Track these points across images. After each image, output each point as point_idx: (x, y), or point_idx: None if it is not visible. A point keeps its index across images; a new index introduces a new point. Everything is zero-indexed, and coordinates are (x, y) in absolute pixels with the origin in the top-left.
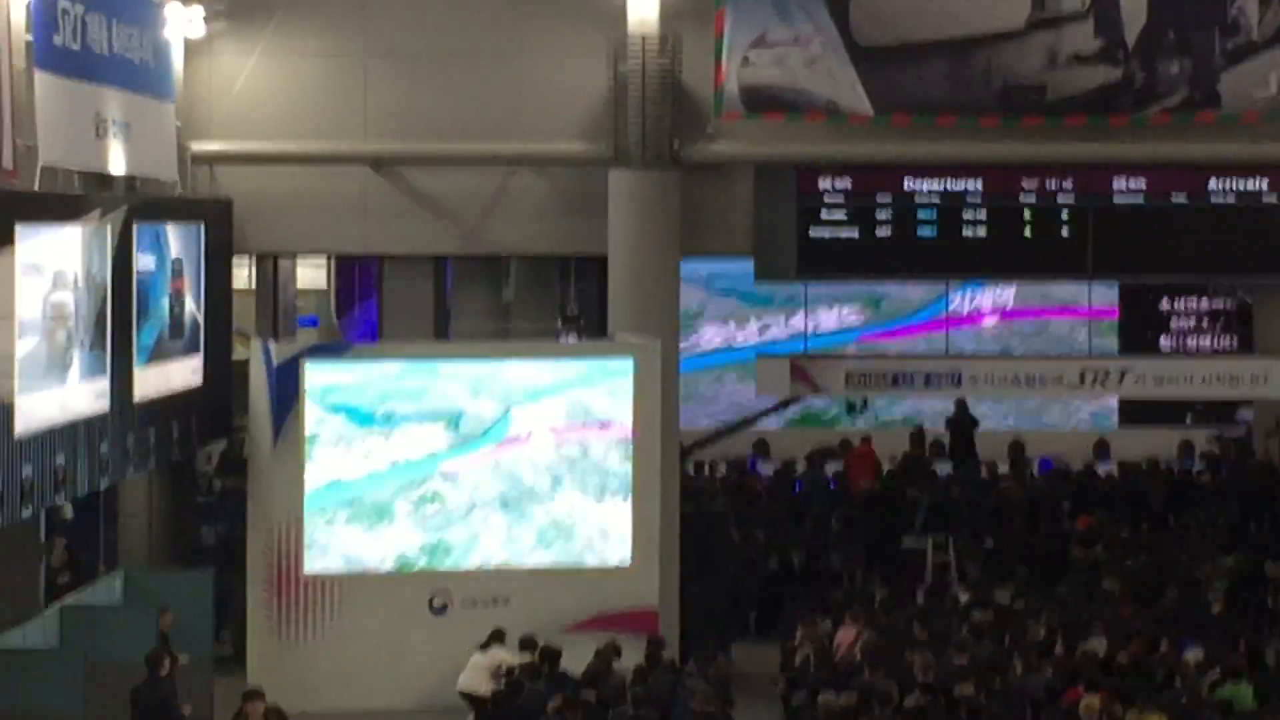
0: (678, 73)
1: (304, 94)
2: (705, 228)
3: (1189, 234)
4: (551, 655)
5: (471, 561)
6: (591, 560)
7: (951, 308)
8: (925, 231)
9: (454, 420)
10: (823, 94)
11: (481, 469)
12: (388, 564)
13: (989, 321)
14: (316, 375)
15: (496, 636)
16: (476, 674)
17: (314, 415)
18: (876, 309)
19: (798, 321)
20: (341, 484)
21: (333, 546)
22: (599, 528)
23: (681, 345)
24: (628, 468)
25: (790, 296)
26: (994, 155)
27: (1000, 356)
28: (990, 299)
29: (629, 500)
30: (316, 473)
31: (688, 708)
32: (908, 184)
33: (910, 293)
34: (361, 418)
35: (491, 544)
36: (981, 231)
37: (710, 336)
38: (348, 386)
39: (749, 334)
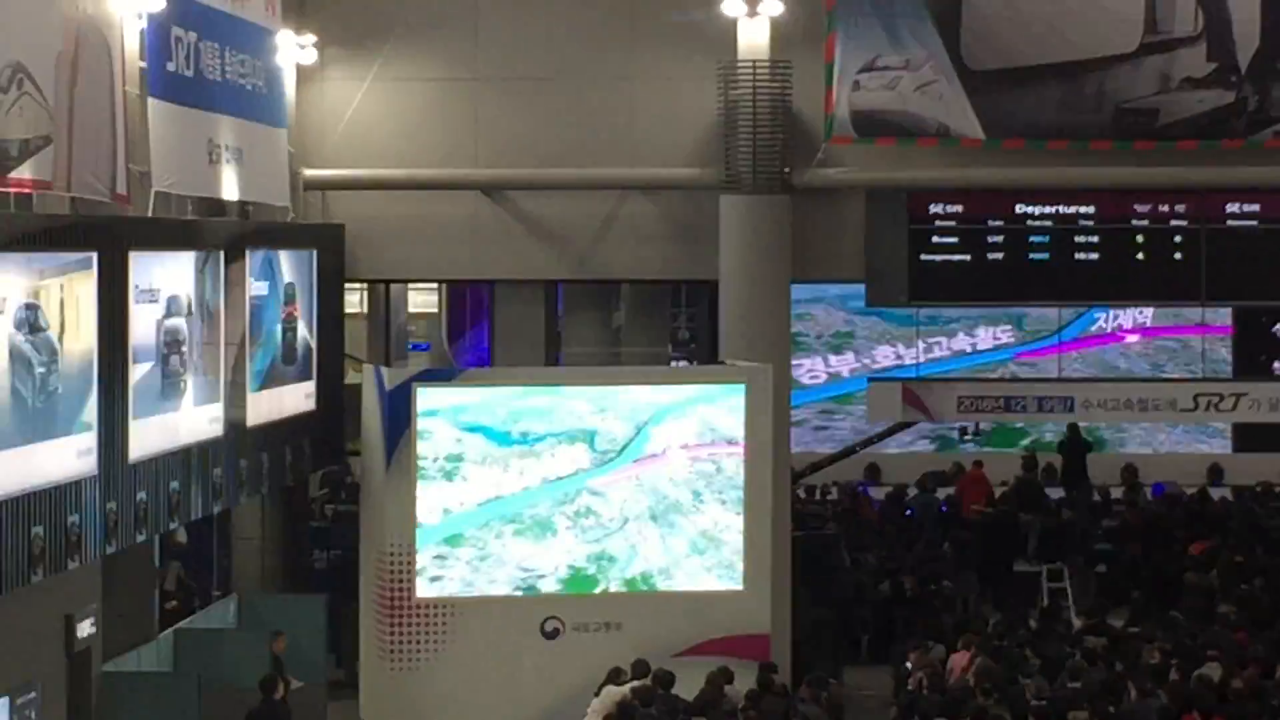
0: (788, 97)
1: (415, 120)
2: (816, 252)
3: None
4: (664, 680)
5: (634, 570)
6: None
7: (1095, 325)
8: (1037, 255)
9: (589, 438)
10: (934, 118)
11: (626, 484)
12: (561, 572)
13: (1132, 338)
14: (446, 396)
15: (611, 677)
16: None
17: (451, 435)
18: (1020, 328)
19: (960, 342)
20: (502, 500)
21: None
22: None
23: (854, 365)
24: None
25: (932, 317)
26: (1106, 179)
27: (1113, 379)
28: (1131, 317)
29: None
30: (467, 491)
31: None
32: (1019, 208)
33: (1049, 311)
34: (499, 437)
35: (651, 554)
36: (1094, 255)
37: (882, 356)
38: (476, 406)
39: (916, 353)
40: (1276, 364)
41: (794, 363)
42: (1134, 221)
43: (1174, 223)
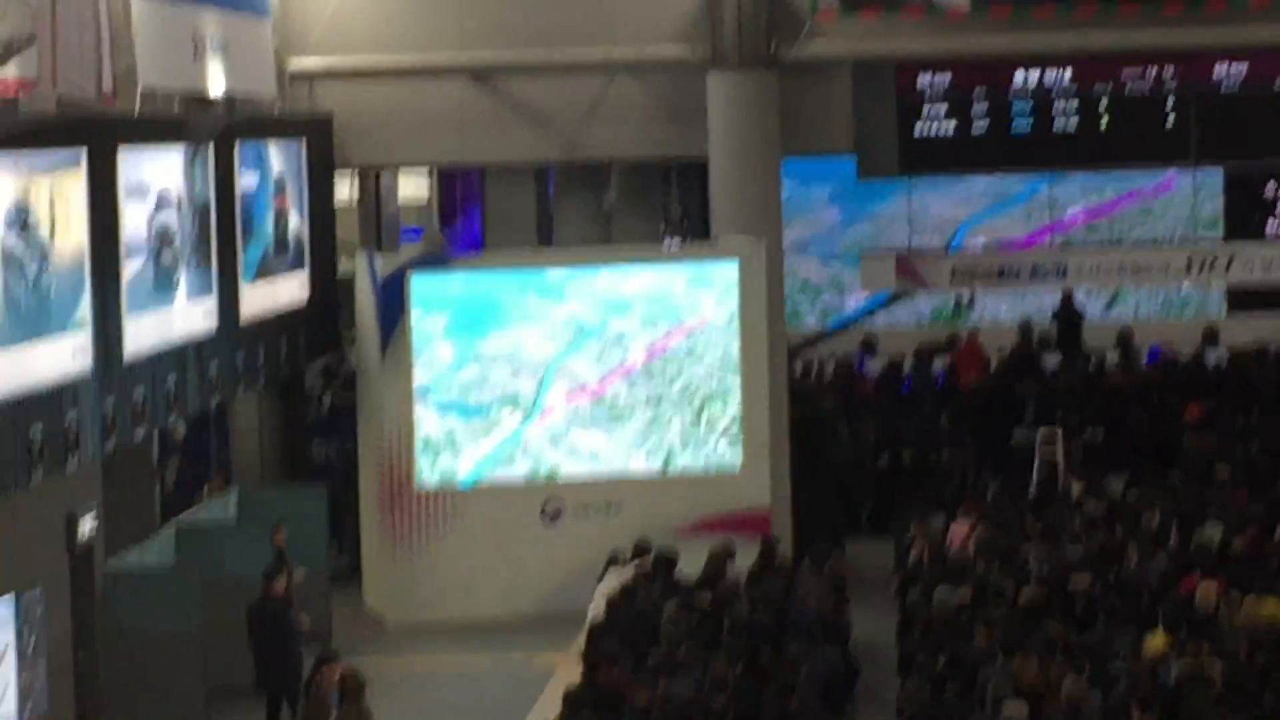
0: None
1: (399, 7)
2: (804, 127)
3: None
4: (666, 562)
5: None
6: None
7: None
8: (1021, 125)
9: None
10: None
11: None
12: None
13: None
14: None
15: (610, 561)
16: (599, 606)
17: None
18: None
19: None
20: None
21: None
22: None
23: None
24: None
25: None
26: (1092, 45)
27: (1106, 247)
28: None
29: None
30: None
31: (803, 607)
32: (1007, 77)
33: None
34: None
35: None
36: (1078, 123)
37: None
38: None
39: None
40: (1269, 223)
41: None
42: (1121, 87)
43: (1161, 87)
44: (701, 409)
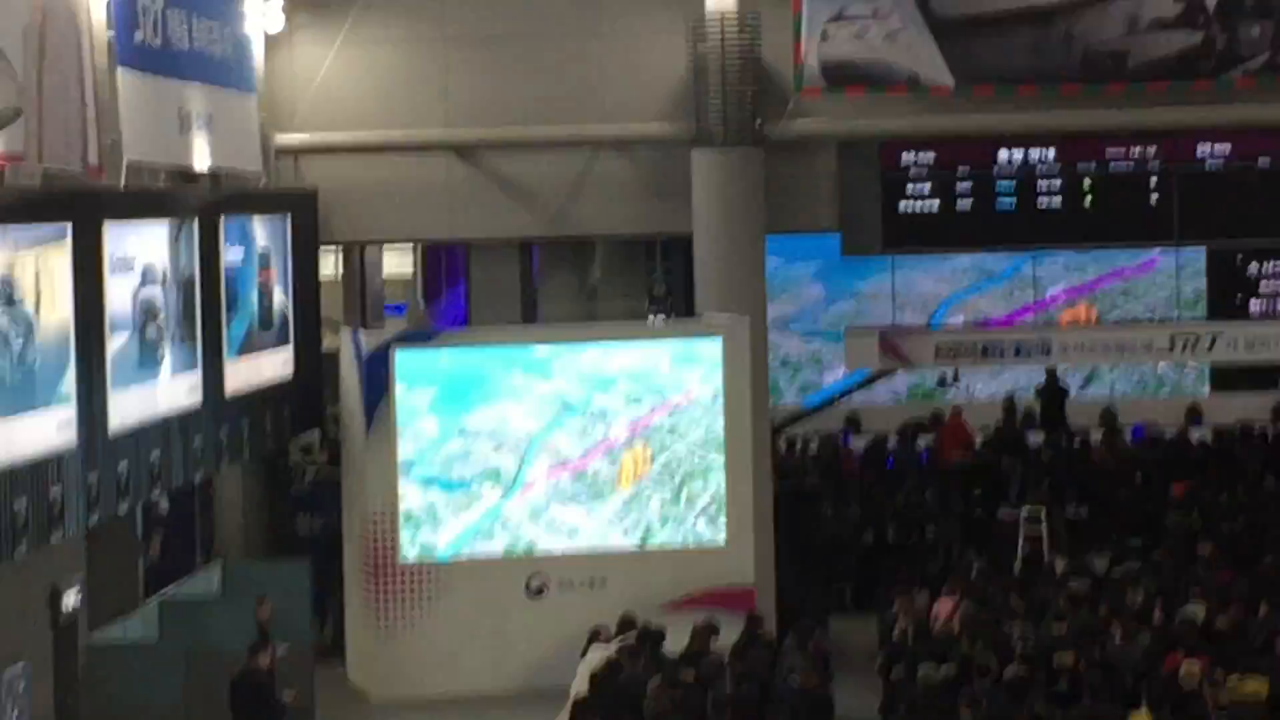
0: (757, 50)
1: (385, 83)
2: (789, 204)
3: (1276, 197)
4: (652, 638)
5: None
6: (707, 535)
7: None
8: (1004, 204)
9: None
10: (904, 67)
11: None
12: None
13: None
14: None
15: (592, 636)
16: (584, 681)
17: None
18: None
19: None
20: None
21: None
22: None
23: None
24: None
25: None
26: (1076, 124)
27: (1089, 325)
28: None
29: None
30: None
31: (787, 683)
32: (991, 155)
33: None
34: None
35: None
36: (1061, 201)
37: None
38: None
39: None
40: (1252, 303)
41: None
42: (1105, 166)
43: (1146, 166)
44: (681, 486)
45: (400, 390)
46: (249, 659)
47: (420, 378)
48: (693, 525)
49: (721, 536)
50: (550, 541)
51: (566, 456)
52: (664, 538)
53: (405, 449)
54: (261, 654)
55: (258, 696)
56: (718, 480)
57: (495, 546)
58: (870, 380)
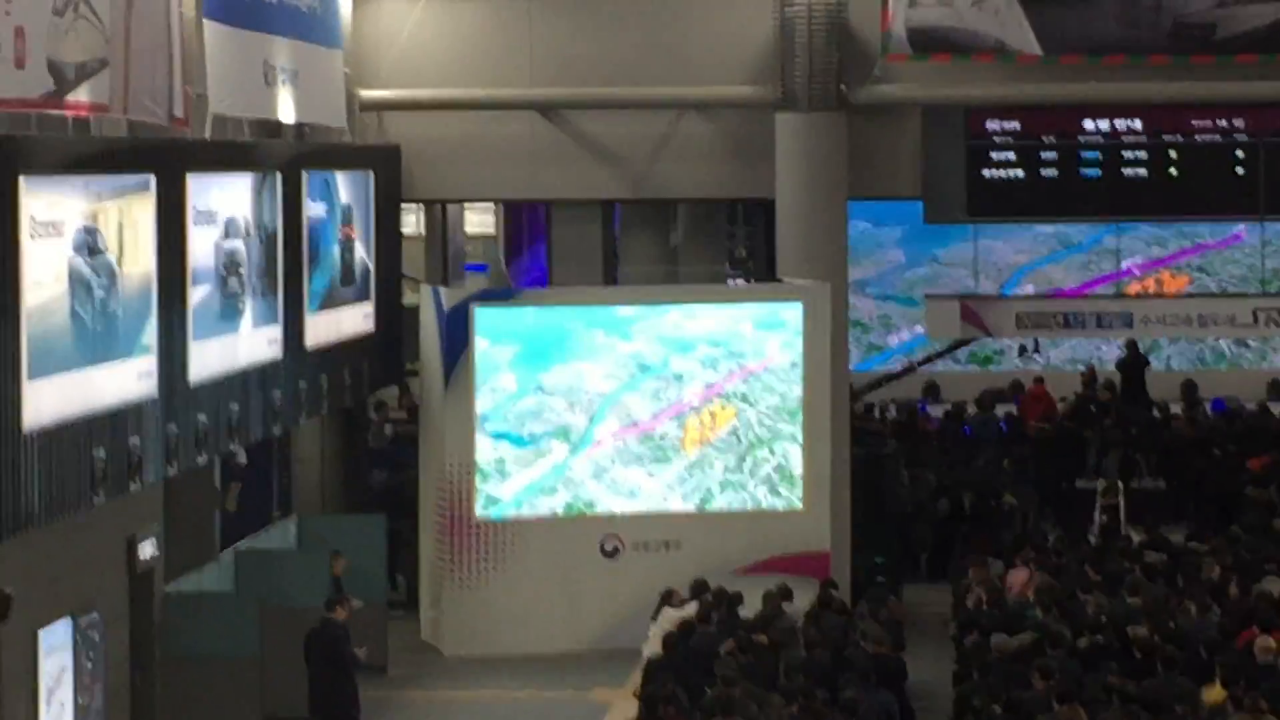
0: (844, 15)
1: (471, 40)
2: (872, 170)
3: None
4: (727, 600)
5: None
6: (765, 503)
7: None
8: (1089, 173)
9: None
10: (990, 34)
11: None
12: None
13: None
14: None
15: (665, 599)
16: (656, 642)
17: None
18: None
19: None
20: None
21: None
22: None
23: None
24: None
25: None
26: (1163, 94)
27: (1172, 296)
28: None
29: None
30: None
31: (860, 650)
32: (1076, 124)
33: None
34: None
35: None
36: (1146, 171)
37: None
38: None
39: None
40: None
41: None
42: (1191, 137)
43: (1232, 137)
44: (746, 454)
45: (483, 346)
46: (326, 612)
47: (502, 334)
48: (752, 492)
49: (781, 504)
50: (610, 502)
51: (637, 417)
52: (722, 504)
53: (482, 403)
54: (339, 608)
55: (333, 650)
56: (783, 450)
57: (556, 502)
58: (952, 349)
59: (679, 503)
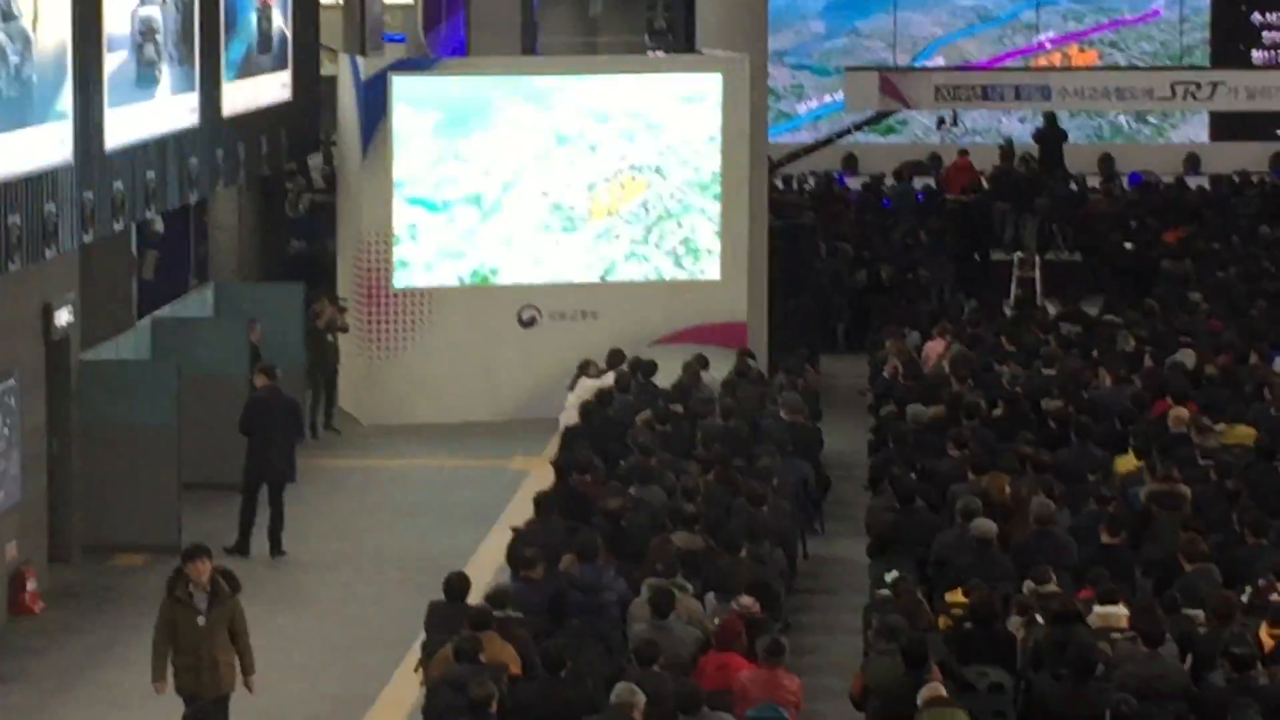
0: None
1: None
2: None
3: None
4: (645, 367)
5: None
6: (669, 275)
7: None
8: None
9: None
10: None
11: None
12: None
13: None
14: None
15: (581, 369)
16: (574, 412)
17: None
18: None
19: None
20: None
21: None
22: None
23: None
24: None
25: None
26: None
27: (1090, 68)
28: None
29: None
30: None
31: (777, 419)
32: None
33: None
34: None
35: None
36: None
37: None
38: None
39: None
40: (1255, 53)
41: None
42: None
43: None
44: (653, 226)
45: (404, 113)
46: (266, 378)
47: (424, 103)
48: (657, 265)
49: (684, 276)
50: (516, 271)
51: (547, 187)
52: (624, 275)
53: (399, 170)
54: (273, 374)
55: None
56: (691, 223)
57: (463, 268)
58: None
59: (583, 272)
